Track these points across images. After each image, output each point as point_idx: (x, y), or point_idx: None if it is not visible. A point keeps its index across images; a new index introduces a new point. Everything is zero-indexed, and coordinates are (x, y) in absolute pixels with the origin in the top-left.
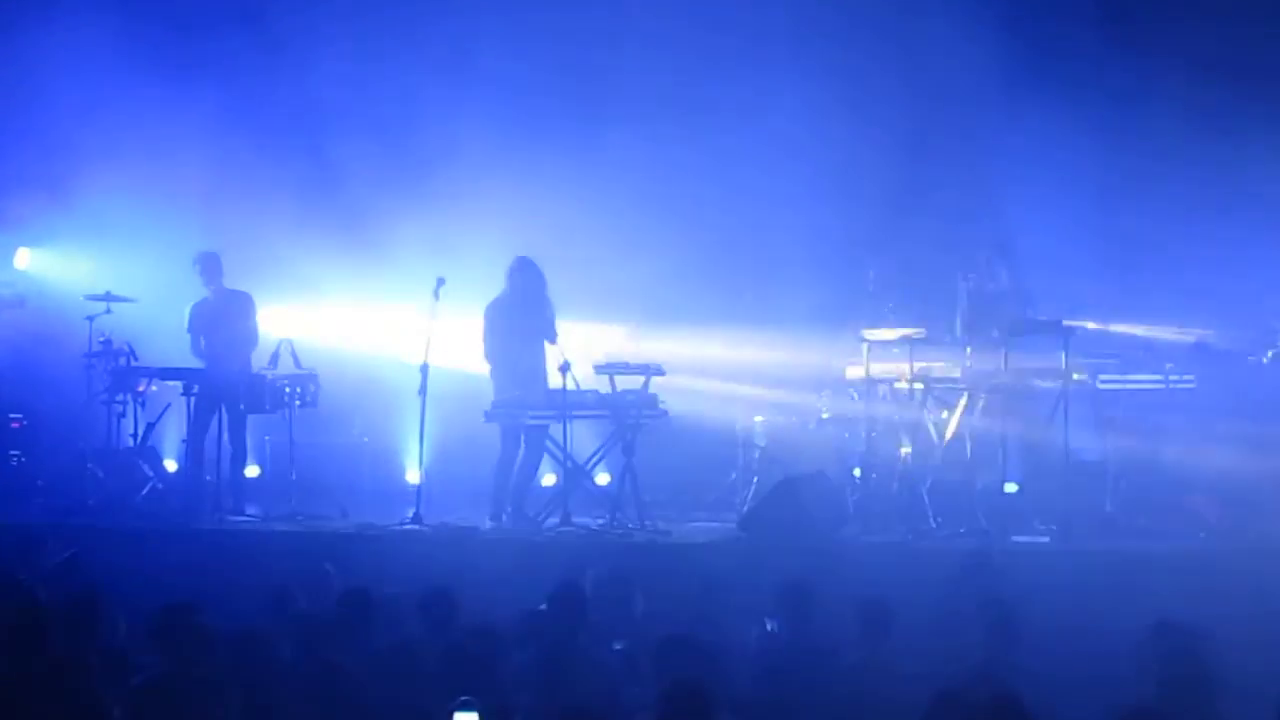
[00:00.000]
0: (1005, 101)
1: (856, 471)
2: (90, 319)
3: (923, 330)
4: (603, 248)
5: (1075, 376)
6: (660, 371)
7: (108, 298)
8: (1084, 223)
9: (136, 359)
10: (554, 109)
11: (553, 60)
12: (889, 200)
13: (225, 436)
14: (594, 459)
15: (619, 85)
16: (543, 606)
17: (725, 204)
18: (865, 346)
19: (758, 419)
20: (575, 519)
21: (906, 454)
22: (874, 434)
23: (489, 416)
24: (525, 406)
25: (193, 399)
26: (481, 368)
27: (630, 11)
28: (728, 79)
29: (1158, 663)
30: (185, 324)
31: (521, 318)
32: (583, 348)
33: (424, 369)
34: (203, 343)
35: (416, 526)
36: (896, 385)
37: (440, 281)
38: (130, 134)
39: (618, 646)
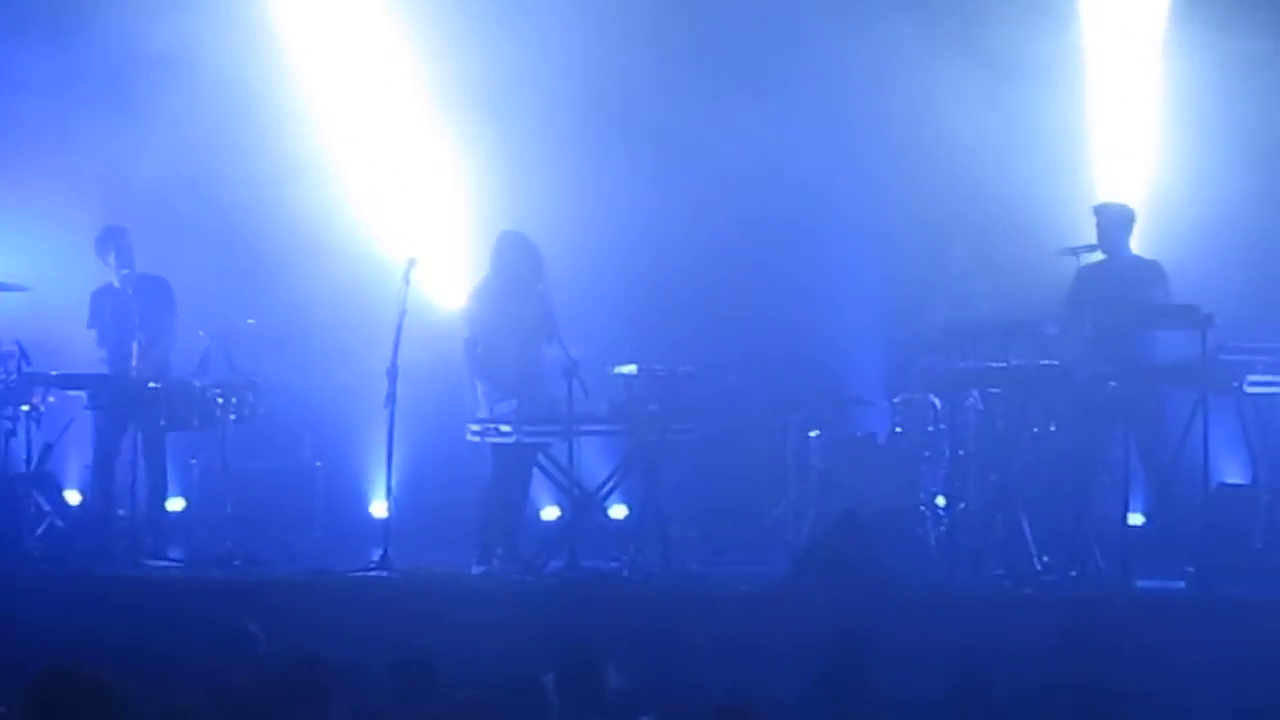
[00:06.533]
0: None
1: (940, 500)
2: None
3: (1022, 317)
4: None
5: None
6: (692, 373)
7: None
8: None
9: (29, 363)
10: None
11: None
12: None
13: (141, 461)
14: (607, 486)
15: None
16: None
17: (772, 174)
18: (947, 340)
19: (813, 434)
20: (584, 562)
21: (1002, 476)
22: (962, 452)
23: (474, 433)
24: (520, 420)
25: (100, 413)
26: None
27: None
28: None
29: None
30: (87, 318)
31: (512, 307)
32: None
33: (392, 374)
34: (109, 341)
35: (384, 573)
36: (989, 389)
37: (411, 263)
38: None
39: None
